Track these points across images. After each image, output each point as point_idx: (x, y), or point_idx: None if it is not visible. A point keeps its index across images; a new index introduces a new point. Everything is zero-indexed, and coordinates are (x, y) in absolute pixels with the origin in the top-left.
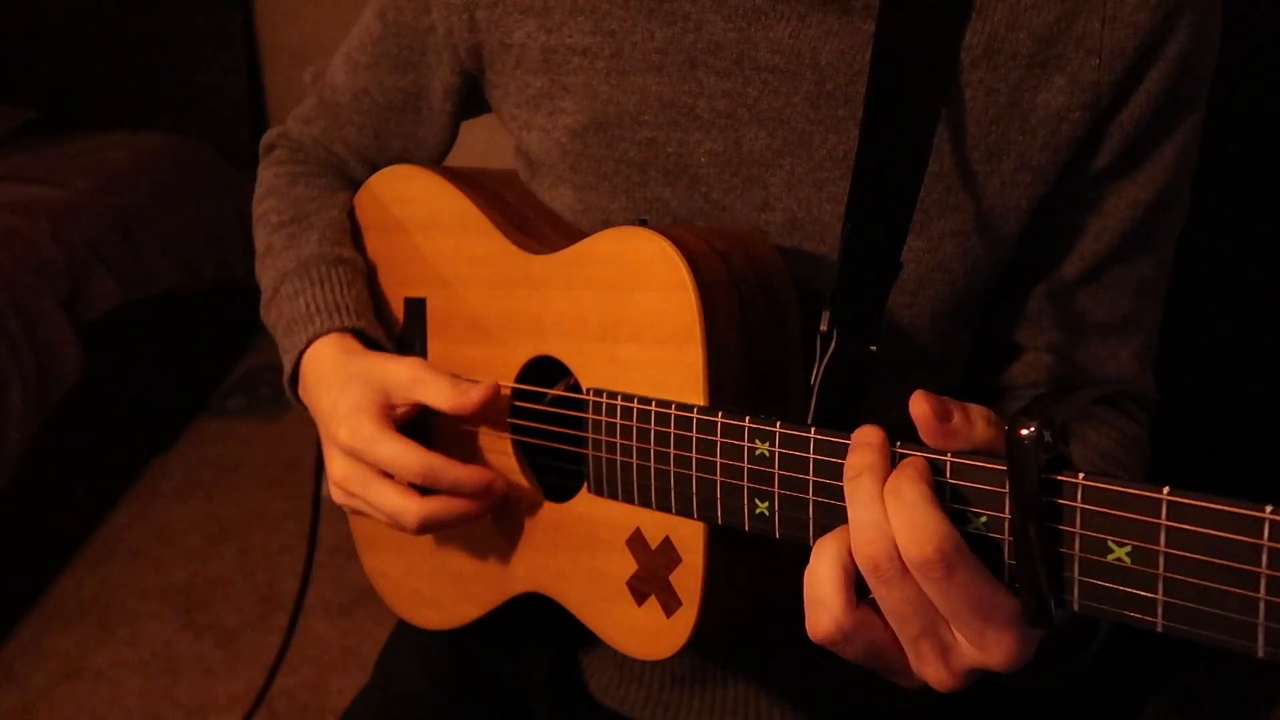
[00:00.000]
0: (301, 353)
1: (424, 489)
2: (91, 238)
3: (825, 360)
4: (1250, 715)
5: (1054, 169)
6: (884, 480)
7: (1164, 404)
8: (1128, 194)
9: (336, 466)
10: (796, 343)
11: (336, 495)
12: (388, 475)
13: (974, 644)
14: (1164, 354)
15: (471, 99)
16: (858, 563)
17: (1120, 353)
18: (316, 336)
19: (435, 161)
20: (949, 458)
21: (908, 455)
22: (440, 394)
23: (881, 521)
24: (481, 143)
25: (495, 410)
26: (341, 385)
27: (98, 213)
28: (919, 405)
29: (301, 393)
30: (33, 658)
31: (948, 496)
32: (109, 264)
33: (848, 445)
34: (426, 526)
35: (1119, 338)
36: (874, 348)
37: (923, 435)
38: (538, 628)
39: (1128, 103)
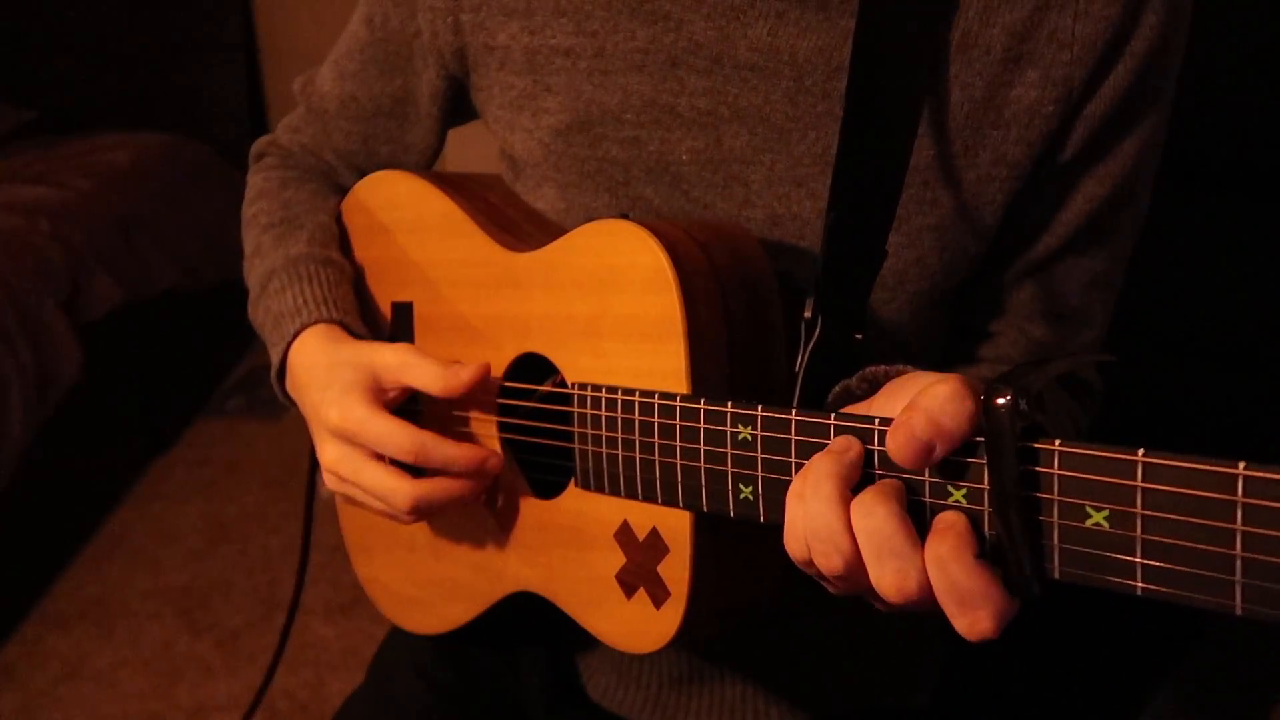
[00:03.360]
0: (289, 345)
1: (417, 473)
2: (91, 238)
3: (809, 347)
4: (1252, 713)
5: (1028, 163)
6: (847, 486)
7: (1160, 405)
8: (1086, 188)
9: (328, 451)
10: (779, 332)
11: (329, 481)
12: (379, 458)
13: (953, 619)
14: (1161, 354)
15: (458, 103)
16: (813, 559)
17: (1068, 344)
18: (304, 328)
19: (424, 167)
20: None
21: (885, 477)
22: (430, 376)
23: (838, 535)
24: (472, 150)
25: (483, 408)
26: (329, 371)
27: (98, 213)
28: (899, 454)
29: (289, 386)
30: (33, 658)
31: (926, 472)
32: (109, 264)
33: (829, 426)
34: (419, 508)
35: (1068, 328)
36: (859, 335)
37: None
38: (533, 631)
39: (1094, 96)
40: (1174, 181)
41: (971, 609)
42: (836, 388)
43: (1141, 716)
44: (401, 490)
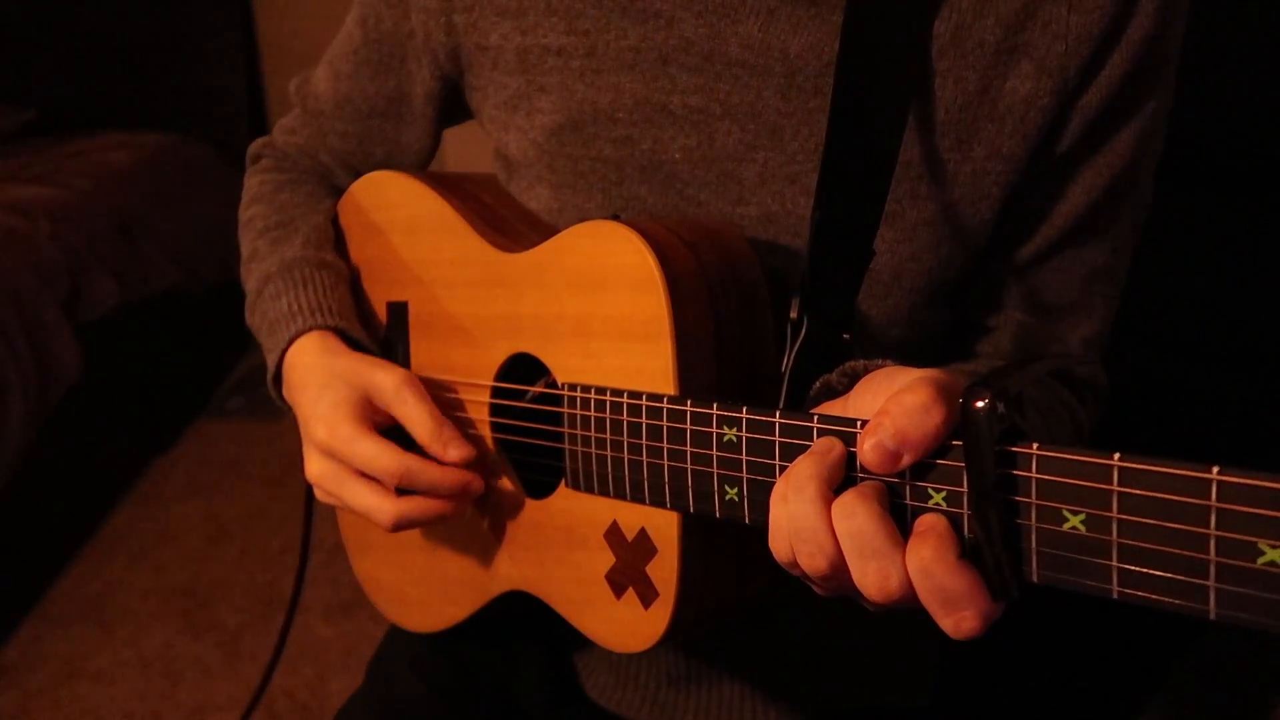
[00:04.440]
0: (284, 351)
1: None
2: (91, 238)
3: (795, 347)
4: (1251, 713)
5: (1024, 156)
6: (829, 488)
7: (1160, 405)
8: (1084, 179)
9: (314, 465)
10: (769, 332)
11: (316, 492)
12: (365, 475)
13: (938, 620)
14: (1160, 353)
15: (452, 103)
16: (798, 560)
17: (1068, 338)
18: (298, 334)
19: (420, 167)
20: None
21: (866, 479)
22: (421, 426)
23: (820, 535)
24: (472, 150)
25: (476, 408)
26: (322, 384)
27: (98, 213)
28: (867, 460)
29: (285, 391)
30: (33, 658)
31: (907, 475)
32: (109, 264)
33: (813, 428)
34: (400, 526)
35: (1067, 322)
36: (847, 336)
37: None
38: (532, 630)
39: (1090, 87)
40: (1174, 181)
41: (957, 609)
42: (818, 383)
43: (1141, 716)
44: (383, 509)
